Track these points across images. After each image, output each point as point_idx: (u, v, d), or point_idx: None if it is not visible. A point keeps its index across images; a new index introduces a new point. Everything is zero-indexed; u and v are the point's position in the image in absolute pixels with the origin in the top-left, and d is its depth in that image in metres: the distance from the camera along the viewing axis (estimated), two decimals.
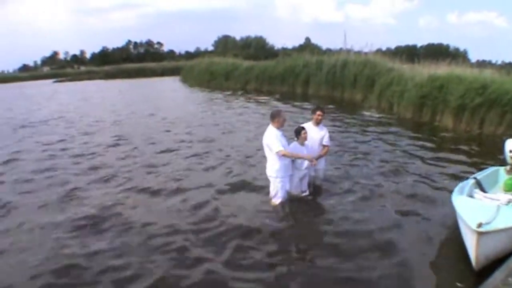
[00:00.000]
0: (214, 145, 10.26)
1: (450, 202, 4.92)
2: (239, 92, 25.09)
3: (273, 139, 5.74)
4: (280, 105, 17.37)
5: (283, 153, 5.72)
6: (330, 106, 16.91)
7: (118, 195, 6.77)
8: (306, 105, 17.04)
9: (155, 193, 6.90)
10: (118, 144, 10.96)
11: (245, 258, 4.63)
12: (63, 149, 10.56)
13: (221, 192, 6.85)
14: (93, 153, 9.92)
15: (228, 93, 25.24)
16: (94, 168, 8.48)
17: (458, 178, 6.84)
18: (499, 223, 3.97)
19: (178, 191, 6.94)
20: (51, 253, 4.86)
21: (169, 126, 13.74)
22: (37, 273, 4.42)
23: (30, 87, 46.86)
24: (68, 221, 5.75)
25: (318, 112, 6.61)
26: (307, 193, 6.42)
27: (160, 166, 8.51)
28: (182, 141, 11.06)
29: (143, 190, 7.03)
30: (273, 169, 5.93)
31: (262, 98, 20.98)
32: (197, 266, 4.45)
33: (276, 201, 6.02)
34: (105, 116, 16.79)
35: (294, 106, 17.18)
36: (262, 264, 4.52)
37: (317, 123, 6.63)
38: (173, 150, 9.90)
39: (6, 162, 9.46)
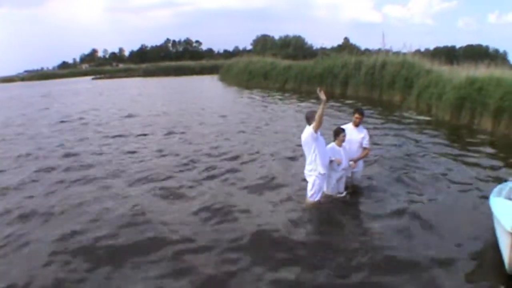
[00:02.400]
0: None
1: (488, 204, 4.99)
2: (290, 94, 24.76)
3: (308, 135, 5.90)
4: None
5: (316, 126, 5.75)
6: (369, 107, 17.09)
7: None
8: (342, 106, 17.52)
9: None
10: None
11: (274, 257, 4.85)
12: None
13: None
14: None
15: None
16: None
17: (497, 180, 6.89)
18: None
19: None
20: None
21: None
22: None
23: (72, 84, 49.23)
24: None
25: (356, 115, 6.70)
26: (343, 194, 6.46)
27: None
28: None
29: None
30: (311, 166, 6.04)
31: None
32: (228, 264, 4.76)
33: (313, 200, 6.14)
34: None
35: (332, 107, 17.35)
36: (293, 264, 4.68)
37: (356, 124, 6.71)
38: None
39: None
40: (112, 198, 7.07)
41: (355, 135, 6.63)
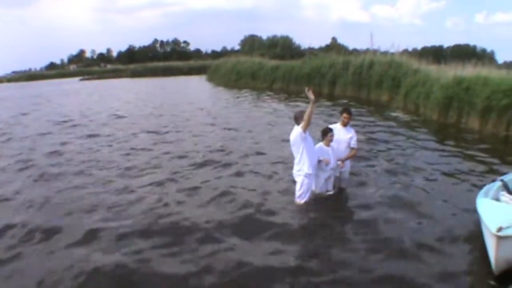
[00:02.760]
0: None
1: (474, 204, 4.99)
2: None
3: (297, 135, 5.91)
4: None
5: (304, 126, 5.76)
6: (357, 106, 17.09)
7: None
8: (332, 106, 17.42)
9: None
10: None
11: (268, 255, 4.84)
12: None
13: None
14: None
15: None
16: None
17: (486, 175, 7.08)
18: None
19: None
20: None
21: None
22: None
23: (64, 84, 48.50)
24: None
25: (344, 115, 6.64)
26: (332, 192, 6.49)
27: None
28: None
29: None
30: (299, 166, 6.04)
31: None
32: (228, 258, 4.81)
33: (301, 200, 6.13)
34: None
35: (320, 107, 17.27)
36: (284, 262, 4.67)
37: (344, 124, 6.66)
38: None
39: None
40: (124, 194, 7.15)
41: (343, 135, 6.60)
